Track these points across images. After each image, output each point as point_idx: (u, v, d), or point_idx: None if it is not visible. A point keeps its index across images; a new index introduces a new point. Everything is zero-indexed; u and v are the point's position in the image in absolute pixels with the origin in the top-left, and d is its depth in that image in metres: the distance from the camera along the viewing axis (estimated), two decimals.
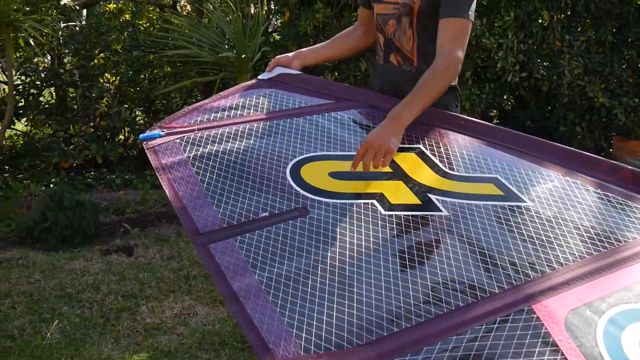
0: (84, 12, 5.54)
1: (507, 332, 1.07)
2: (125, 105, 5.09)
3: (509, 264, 1.22)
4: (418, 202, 1.41)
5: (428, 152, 1.59)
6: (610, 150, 4.98)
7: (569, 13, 4.89)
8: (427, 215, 1.37)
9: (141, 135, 1.66)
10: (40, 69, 4.66)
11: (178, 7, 5.91)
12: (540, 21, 4.68)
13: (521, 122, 5.22)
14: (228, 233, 1.33)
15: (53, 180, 4.64)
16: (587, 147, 4.83)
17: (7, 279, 3.01)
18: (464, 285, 1.18)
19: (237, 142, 1.62)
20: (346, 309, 1.14)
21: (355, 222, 1.35)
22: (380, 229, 1.33)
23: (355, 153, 1.57)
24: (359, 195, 1.44)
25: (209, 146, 1.60)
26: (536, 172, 1.52)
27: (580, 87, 4.67)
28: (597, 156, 1.52)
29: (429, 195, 1.43)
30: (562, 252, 1.25)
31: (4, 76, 4.95)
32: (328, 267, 1.23)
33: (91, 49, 4.83)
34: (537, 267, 1.21)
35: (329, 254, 1.26)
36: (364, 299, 1.16)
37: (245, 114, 1.75)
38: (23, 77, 4.69)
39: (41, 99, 4.81)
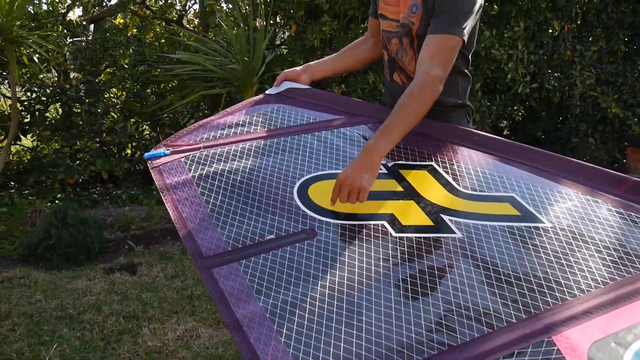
0: (91, 27, 5.54)
1: None
2: (133, 120, 5.06)
3: (527, 290, 1.14)
4: (430, 223, 1.33)
5: (440, 170, 1.52)
6: (624, 161, 4.87)
7: (579, 23, 4.82)
8: (440, 237, 1.29)
9: (146, 154, 1.61)
10: (46, 84, 4.63)
11: (185, 21, 5.90)
12: (550, 31, 4.61)
13: (532, 133, 5.13)
14: (233, 257, 1.26)
15: (59, 196, 4.59)
16: (600, 159, 4.73)
17: (8, 299, 2.95)
18: (478, 314, 1.10)
19: (244, 161, 1.55)
20: (354, 340, 1.07)
21: (364, 244, 1.28)
22: (390, 252, 1.26)
23: None
24: (368, 216, 1.36)
25: (214, 165, 1.54)
26: (554, 191, 1.44)
27: (593, 98, 4.58)
28: (620, 173, 1.44)
29: (442, 215, 1.35)
30: (583, 277, 1.16)
31: (9, 92, 4.94)
32: (336, 294, 1.16)
33: (97, 64, 4.81)
34: (557, 294, 1.13)
35: (336, 279, 1.19)
36: (373, 328, 1.09)
37: (252, 131, 1.69)
38: (29, 93, 4.67)
39: (47, 114, 4.78)
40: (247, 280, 1.20)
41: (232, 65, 4.10)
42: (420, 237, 1.29)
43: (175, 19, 5.40)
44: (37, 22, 4.42)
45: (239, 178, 1.49)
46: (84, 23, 5.03)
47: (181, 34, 5.00)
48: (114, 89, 4.97)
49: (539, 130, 5.08)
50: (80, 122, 4.64)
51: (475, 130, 1.68)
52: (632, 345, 1.03)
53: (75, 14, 5.05)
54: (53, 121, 4.77)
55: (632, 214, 1.33)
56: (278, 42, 5.32)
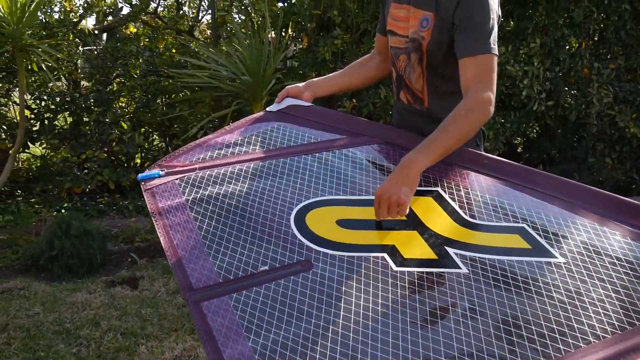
0: (104, 36, 5.53)
1: None
2: (143, 129, 5.03)
3: (536, 335, 1.05)
4: (434, 256, 1.25)
5: (447, 196, 1.43)
6: None
7: (597, 40, 4.72)
8: (444, 272, 1.20)
9: (140, 175, 1.54)
10: (55, 93, 4.62)
11: (197, 32, 5.87)
12: (567, 48, 4.51)
13: (547, 152, 5.02)
14: (223, 289, 1.19)
15: (65, 205, 4.56)
16: (617, 179, 4.60)
17: (6, 311, 2.89)
18: None
19: (240, 184, 1.48)
20: None
21: (363, 279, 1.19)
22: (390, 288, 1.17)
23: (366, 197, 1.43)
24: (368, 248, 1.28)
25: (209, 188, 1.47)
26: (568, 221, 1.34)
27: (610, 117, 4.46)
28: (638, 202, 1.35)
29: (447, 248, 1.26)
30: (599, 321, 1.07)
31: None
32: (330, 334, 1.07)
33: (107, 73, 4.78)
34: (570, 341, 1.03)
35: (331, 318, 1.11)
36: None
37: (250, 151, 1.62)
38: (38, 101, 4.65)
39: (56, 122, 4.76)
40: (237, 316, 1.12)
41: (242, 77, 4.05)
42: (422, 272, 1.20)
43: (186, 29, 5.37)
44: (49, 30, 4.40)
45: (234, 202, 1.42)
46: (96, 32, 5.02)
47: (192, 44, 4.96)
48: (123, 99, 4.95)
49: (554, 148, 4.97)
50: (89, 132, 4.61)
51: (484, 154, 1.60)
52: None
53: (88, 23, 5.02)
54: (61, 130, 4.75)
55: None
56: (290, 55, 5.27)
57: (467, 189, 1.46)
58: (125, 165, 5.03)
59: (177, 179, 1.51)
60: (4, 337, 2.66)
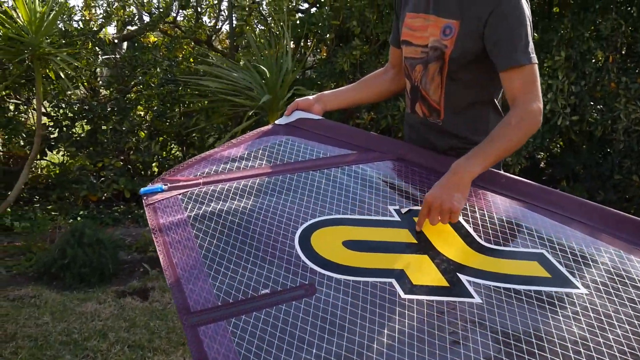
0: (124, 44, 5.56)
1: None
2: (161, 138, 5.02)
3: None
4: (445, 283, 1.16)
5: (460, 218, 1.35)
6: None
7: (625, 53, 4.58)
8: (455, 302, 1.12)
9: (142, 190, 1.49)
10: (74, 101, 4.63)
11: (217, 42, 5.87)
12: (594, 61, 4.38)
13: (571, 168, 4.87)
14: (222, 314, 1.12)
15: (81, 213, 4.56)
16: None
17: (16, 320, 2.87)
18: None
19: (244, 200, 1.42)
20: None
21: (368, 306, 1.12)
22: (397, 317, 1.09)
23: (375, 217, 1.36)
24: (375, 272, 1.20)
25: (212, 204, 1.41)
26: (591, 247, 1.25)
27: (638, 133, 4.32)
28: None
29: (459, 275, 1.18)
30: None
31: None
32: None
33: (125, 82, 4.79)
34: None
35: (333, 349, 1.03)
36: None
37: (256, 166, 1.55)
38: (56, 109, 4.67)
39: (75, 130, 4.78)
40: (235, 344, 1.05)
41: (259, 87, 4.01)
42: (432, 301, 1.12)
43: (204, 39, 5.36)
44: (69, 39, 4.42)
45: (237, 220, 1.36)
46: (116, 41, 5.04)
47: (210, 54, 4.95)
48: (140, 107, 4.95)
49: (578, 164, 4.82)
50: (105, 140, 4.62)
51: (502, 172, 1.52)
52: None
53: (109, 32, 5.05)
54: (78, 138, 4.77)
55: None
56: (308, 65, 5.23)
57: (483, 210, 1.38)
58: (142, 173, 5.02)
59: (180, 194, 1.46)
60: (12, 346, 2.63)
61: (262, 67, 4.08)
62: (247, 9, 5.04)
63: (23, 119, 4.87)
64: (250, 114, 4.27)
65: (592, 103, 4.36)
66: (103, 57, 4.72)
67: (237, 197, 1.43)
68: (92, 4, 5.07)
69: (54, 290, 3.29)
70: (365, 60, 4.45)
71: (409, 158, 1.59)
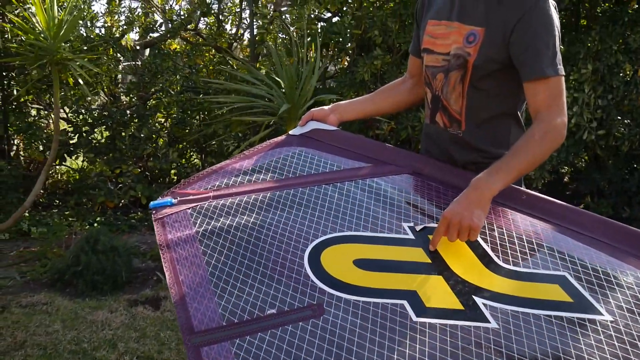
0: (147, 51, 5.58)
1: None
2: (181, 145, 5.01)
3: None
4: (460, 306, 1.09)
5: (478, 237, 1.28)
6: None
7: None
8: (470, 326, 1.05)
9: (152, 203, 1.46)
10: (93, 107, 4.65)
11: (238, 49, 5.87)
12: (622, 75, 4.26)
13: (596, 183, 4.73)
14: (226, 334, 1.07)
15: (97, 219, 4.56)
16: None
17: (26, 327, 2.85)
18: None
19: (254, 215, 1.37)
20: None
21: (378, 329, 1.05)
22: (408, 341, 1.02)
23: (388, 235, 1.29)
24: (387, 293, 1.14)
25: (221, 219, 1.36)
26: (617, 271, 1.17)
27: None
28: None
29: (475, 298, 1.11)
30: None
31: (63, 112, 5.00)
32: None
33: (145, 89, 4.80)
34: None
35: None
36: None
37: (268, 179, 1.50)
38: (76, 114, 4.70)
39: (94, 136, 4.80)
40: None
41: (279, 97, 3.98)
42: (445, 325, 1.05)
43: (225, 46, 5.36)
44: (90, 44, 4.45)
45: (245, 236, 1.30)
46: (137, 48, 5.06)
47: (231, 62, 4.94)
48: (160, 115, 4.95)
49: (603, 180, 4.68)
50: (124, 147, 4.62)
51: (522, 189, 1.44)
52: None
53: (131, 38, 5.08)
54: (97, 144, 4.78)
55: None
56: (329, 75, 5.19)
57: (502, 228, 1.30)
58: (160, 181, 5.02)
59: (189, 208, 1.41)
60: (21, 354, 2.61)
61: (279, 77, 4.05)
62: (268, 17, 5.03)
63: (43, 124, 4.90)
64: (268, 122, 4.23)
65: (619, 117, 4.24)
66: (125, 64, 4.73)
67: (247, 212, 1.38)
68: (115, 11, 5.10)
69: (67, 297, 3.27)
70: (387, 71, 4.39)
71: (426, 172, 1.52)
